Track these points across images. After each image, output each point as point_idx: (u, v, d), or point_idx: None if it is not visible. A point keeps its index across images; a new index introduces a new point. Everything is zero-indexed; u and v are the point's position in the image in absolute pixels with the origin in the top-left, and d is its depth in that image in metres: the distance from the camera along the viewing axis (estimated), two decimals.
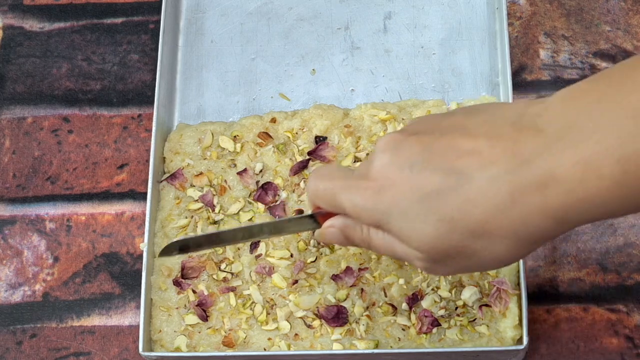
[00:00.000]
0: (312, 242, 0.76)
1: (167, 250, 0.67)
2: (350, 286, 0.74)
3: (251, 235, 0.68)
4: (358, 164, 0.78)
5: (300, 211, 0.77)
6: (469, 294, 0.73)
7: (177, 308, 0.75)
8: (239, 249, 0.77)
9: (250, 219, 0.78)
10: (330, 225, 0.62)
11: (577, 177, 0.50)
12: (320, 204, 0.62)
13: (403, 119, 0.80)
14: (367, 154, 0.79)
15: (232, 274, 0.76)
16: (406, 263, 0.74)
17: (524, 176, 0.51)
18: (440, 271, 0.59)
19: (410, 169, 0.55)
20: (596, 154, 0.49)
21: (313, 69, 0.86)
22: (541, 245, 0.56)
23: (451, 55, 0.85)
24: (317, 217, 0.62)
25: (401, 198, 0.55)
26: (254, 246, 0.77)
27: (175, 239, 0.68)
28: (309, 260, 0.75)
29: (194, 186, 0.79)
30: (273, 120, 0.81)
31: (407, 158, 0.55)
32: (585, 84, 0.52)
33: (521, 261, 0.72)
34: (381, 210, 0.57)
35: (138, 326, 0.76)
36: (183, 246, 0.67)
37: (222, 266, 0.76)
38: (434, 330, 0.72)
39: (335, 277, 0.75)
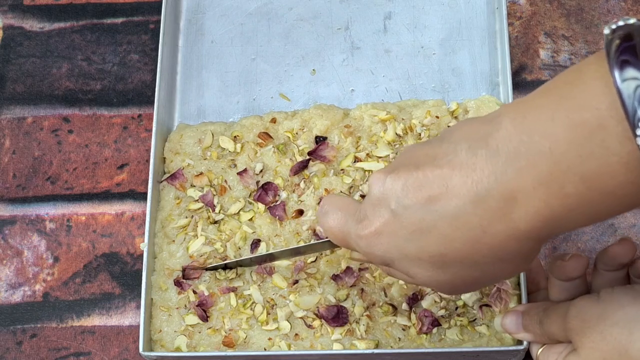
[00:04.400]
0: (312, 241, 0.76)
1: (209, 269, 0.76)
2: (351, 286, 0.75)
3: (275, 258, 0.75)
4: (358, 164, 0.78)
5: (301, 212, 0.77)
6: (469, 294, 0.73)
7: (177, 308, 0.75)
8: (239, 248, 0.77)
9: (251, 219, 0.78)
10: (358, 257, 0.67)
11: (542, 198, 0.50)
12: (335, 242, 0.63)
13: (403, 119, 0.80)
14: (367, 154, 0.79)
15: (232, 271, 0.76)
16: None
17: (487, 205, 0.51)
18: (457, 294, 0.60)
19: (395, 208, 0.55)
20: (557, 173, 0.49)
21: (313, 69, 0.86)
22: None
23: (451, 55, 0.85)
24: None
25: (395, 240, 0.56)
26: (254, 246, 0.77)
27: (218, 263, 0.76)
28: (309, 261, 0.76)
29: (194, 186, 0.79)
30: (273, 121, 0.81)
31: (390, 197, 0.55)
32: (533, 99, 0.51)
33: None
34: (382, 253, 0.57)
35: (138, 326, 0.76)
36: (223, 268, 0.77)
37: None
38: (434, 330, 0.72)
39: (335, 277, 0.75)
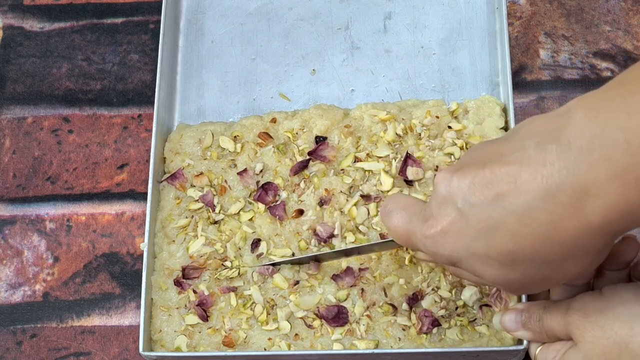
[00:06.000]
0: (312, 241, 0.76)
1: (274, 264, 0.76)
2: (351, 286, 0.74)
3: (343, 255, 0.74)
4: (358, 164, 0.78)
5: (301, 212, 0.77)
6: (469, 294, 0.73)
7: (177, 308, 0.75)
8: (240, 248, 0.77)
9: (251, 219, 0.78)
10: (423, 258, 0.66)
11: (618, 191, 0.49)
12: (399, 242, 0.63)
13: (403, 119, 0.80)
14: (367, 154, 0.79)
15: (233, 271, 0.76)
16: (406, 263, 0.74)
17: (558, 200, 0.50)
18: (527, 293, 0.60)
19: (462, 207, 0.55)
20: (633, 166, 0.48)
21: (313, 69, 0.86)
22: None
23: (451, 55, 0.85)
24: None
25: (462, 238, 0.55)
26: (255, 246, 0.77)
27: (279, 259, 0.75)
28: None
29: (194, 186, 0.79)
30: (273, 121, 0.81)
31: (456, 195, 0.55)
32: (605, 92, 0.50)
33: None
34: (449, 253, 0.57)
35: (138, 326, 0.76)
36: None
37: (227, 264, 0.76)
38: (434, 330, 0.72)
39: (335, 277, 0.75)
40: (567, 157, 0.50)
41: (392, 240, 0.65)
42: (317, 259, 0.75)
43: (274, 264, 0.75)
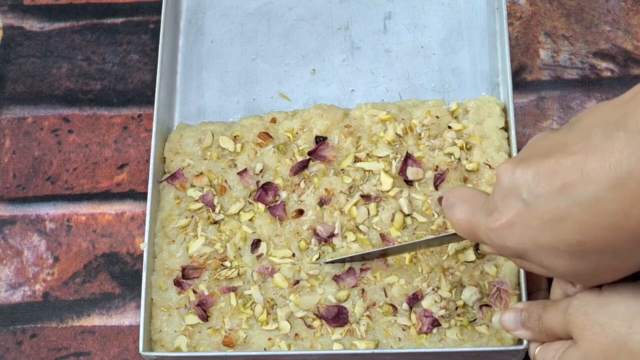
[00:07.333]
0: (313, 241, 0.76)
1: (328, 262, 0.75)
2: (352, 287, 0.74)
3: (404, 250, 0.74)
4: (358, 164, 0.78)
5: (301, 212, 0.77)
6: (469, 294, 0.73)
7: (177, 308, 0.75)
8: (239, 249, 0.77)
9: (251, 219, 0.78)
10: (487, 250, 0.65)
11: None
12: (462, 235, 0.62)
13: (403, 119, 0.80)
14: (367, 154, 0.79)
15: (232, 271, 0.76)
16: (406, 262, 0.74)
17: (629, 188, 0.49)
18: (598, 283, 0.59)
19: (527, 198, 0.54)
20: None
21: (313, 69, 0.86)
22: None
23: (451, 55, 0.85)
24: None
25: (528, 230, 0.55)
26: (255, 246, 0.77)
27: (343, 256, 0.75)
28: (314, 259, 0.75)
29: (194, 186, 0.79)
30: (273, 121, 0.81)
31: (521, 187, 0.55)
32: None
33: None
34: (514, 245, 0.57)
35: (138, 326, 0.76)
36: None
37: (227, 264, 0.76)
38: (434, 330, 0.72)
39: (336, 278, 0.75)
40: (636, 144, 0.49)
41: (454, 234, 0.65)
42: (384, 254, 0.74)
43: (342, 260, 0.75)
